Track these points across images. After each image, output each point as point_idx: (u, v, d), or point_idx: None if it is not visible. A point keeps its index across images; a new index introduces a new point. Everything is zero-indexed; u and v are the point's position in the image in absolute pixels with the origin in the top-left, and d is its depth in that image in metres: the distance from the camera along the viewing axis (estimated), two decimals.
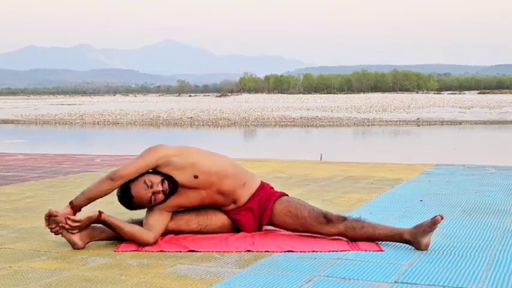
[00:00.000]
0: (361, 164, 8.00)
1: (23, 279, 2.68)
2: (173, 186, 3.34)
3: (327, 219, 3.34)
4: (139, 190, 3.32)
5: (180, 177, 3.37)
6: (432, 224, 3.14)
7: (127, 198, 3.38)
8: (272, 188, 3.60)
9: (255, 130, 28.81)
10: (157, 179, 3.32)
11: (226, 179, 3.44)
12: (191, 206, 3.46)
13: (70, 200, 3.35)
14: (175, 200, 3.40)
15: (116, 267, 2.88)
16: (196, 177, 3.38)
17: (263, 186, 3.56)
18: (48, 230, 3.30)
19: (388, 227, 3.35)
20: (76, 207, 3.31)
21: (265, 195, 3.52)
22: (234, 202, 3.48)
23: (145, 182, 3.31)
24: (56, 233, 3.26)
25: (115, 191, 3.40)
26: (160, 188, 3.30)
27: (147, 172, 3.37)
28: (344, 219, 3.34)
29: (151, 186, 3.30)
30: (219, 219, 3.51)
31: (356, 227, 3.29)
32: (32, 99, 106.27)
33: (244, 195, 3.49)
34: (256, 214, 3.50)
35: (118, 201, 3.44)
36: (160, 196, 3.32)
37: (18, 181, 6.18)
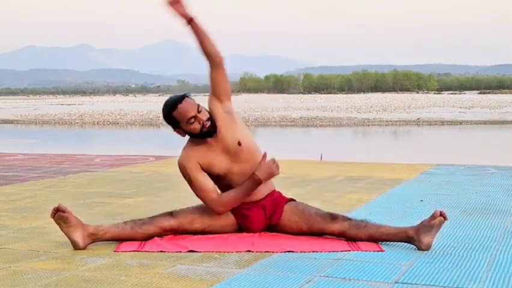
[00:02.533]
0: (361, 164, 8.00)
1: (22, 279, 2.68)
2: (213, 128, 3.38)
3: (332, 217, 3.38)
4: (190, 129, 3.37)
5: (227, 134, 3.41)
6: (432, 218, 3.15)
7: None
8: (281, 193, 3.63)
9: (255, 130, 28.80)
10: (193, 111, 3.35)
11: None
12: (217, 171, 3.45)
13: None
14: (206, 158, 3.42)
15: (116, 267, 2.88)
16: (239, 144, 3.41)
17: (275, 190, 3.60)
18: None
19: (391, 226, 3.36)
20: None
21: (278, 197, 3.56)
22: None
23: (188, 122, 3.35)
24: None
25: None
26: (204, 117, 3.35)
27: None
28: (349, 219, 3.38)
29: (194, 121, 3.34)
30: (222, 219, 3.50)
31: (360, 226, 3.31)
32: (31, 99, 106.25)
33: (262, 190, 3.49)
34: (267, 213, 3.50)
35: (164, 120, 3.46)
36: (208, 123, 3.36)
37: (18, 181, 6.18)
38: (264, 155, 3.47)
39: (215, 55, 3.45)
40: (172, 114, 3.39)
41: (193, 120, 3.35)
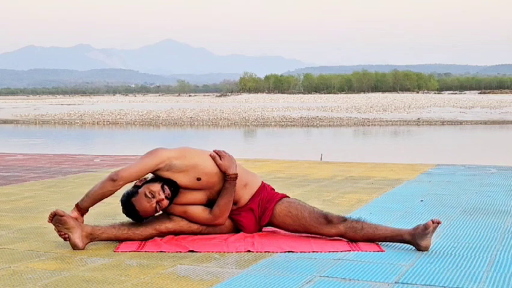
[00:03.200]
0: (361, 164, 7.99)
1: (22, 279, 2.68)
2: (175, 189, 3.36)
3: (327, 219, 3.35)
4: (142, 204, 3.34)
5: (183, 179, 3.38)
6: (424, 229, 3.14)
7: (134, 214, 3.39)
8: (273, 189, 3.60)
9: (255, 130, 28.80)
10: (156, 187, 3.33)
11: None
12: (199, 203, 3.46)
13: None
14: (182, 200, 3.42)
15: (116, 267, 2.88)
16: (198, 179, 3.40)
17: (264, 187, 3.56)
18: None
19: (388, 228, 3.34)
20: (82, 210, 3.35)
21: (266, 196, 3.52)
22: (235, 203, 3.48)
23: (146, 195, 3.33)
24: (65, 239, 3.27)
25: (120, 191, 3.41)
26: (162, 196, 3.32)
27: (145, 182, 3.39)
28: (344, 220, 3.34)
29: (153, 197, 3.32)
30: None
31: (357, 228, 3.29)
32: (31, 99, 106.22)
33: (245, 196, 3.49)
34: (256, 214, 3.50)
35: (125, 215, 3.44)
36: (165, 202, 3.34)
37: (18, 181, 6.18)
38: (214, 156, 3.45)
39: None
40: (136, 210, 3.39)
41: (158, 205, 3.35)
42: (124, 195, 3.41)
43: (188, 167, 3.38)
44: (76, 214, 3.32)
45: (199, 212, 3.45)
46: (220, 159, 3.44)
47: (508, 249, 3.19)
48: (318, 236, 3.40)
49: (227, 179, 3.41)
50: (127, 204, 3.37)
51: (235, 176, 3.42)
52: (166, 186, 3.34)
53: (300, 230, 3.43)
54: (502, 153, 15.26)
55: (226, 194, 3.42)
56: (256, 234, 3.49)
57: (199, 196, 3.45)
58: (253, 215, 3.50)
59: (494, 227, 3.79)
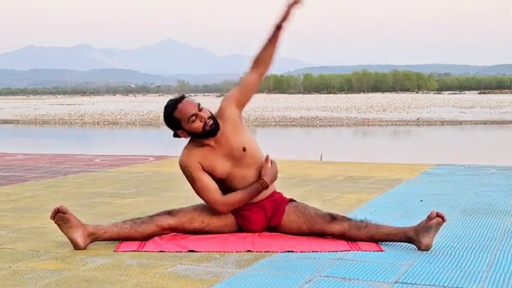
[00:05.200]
0: (361, 164, 7.99)
1: (22, 279, 2.68)
2: (216, 127, 3.37)
3: (332, 217, 3.38)
4: (192, 128, 3.36)
5: (234, 139, 3.42)
6: (429, 219, 3.16)
7: (172, 122, 3.42)
8: (281, 193, 3.63)
9: (255, 130, 28.79)
10: (194, 109, 3.35)
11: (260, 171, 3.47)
12: (219, 175, 3.44)
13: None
14: (208, 161, 3.42)
15: (116, 267, 2.88)
16: (244, 149, 3.41)
17: (276, 191, 3.60)
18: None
19: (392, 226, 3.36)
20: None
21: (279, 198, 3.56)
22: None
23: (189, 121, 3.34)
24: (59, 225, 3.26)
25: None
26: (205, 115, 3.35)
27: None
28: (349, 219, 3.37)
29: (195, 119, 3.34)
30: (222, 219, 3.50)
31: (360, 226, 3.31)
32: (31, 99, 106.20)
33: (263, 192, 3.50)
34: (268, 214, 3.50)
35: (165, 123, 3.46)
36: (210, 121, 3.35)
37: (18, 181, 6.18)
38: (267, 159, 3.48)
39: (270, 65, 3.50)
40: (173, 114, 3.39)
41: (194, 118, 3.35)
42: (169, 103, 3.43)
43: (244, 129, 3.46)
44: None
45: (213, 187, 3.42)
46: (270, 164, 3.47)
47: (508, 249, 3.20)
48: (318, 236, 3.40)
49: (259, 181, 3.42)
50: (173, 120, 3.40)
51: (266, 186, 3.44)
52: (211, 119, 3.36)
53: (305, 228, 3.42)
54: (502, 153, 15.25)
55: (248, 192, 3.42)
56: (256, 234, 3.49)
57: (226, 167, 3.43)
58: (264, 213, 3.50)
59: (493, 226, 3.80)
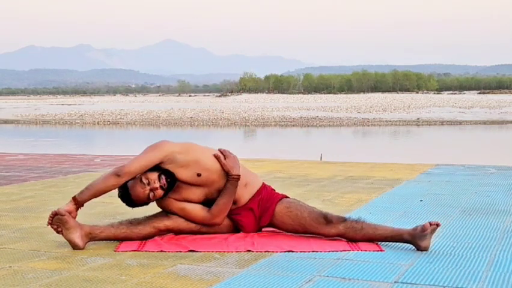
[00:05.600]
0: (361, 164, 8.00)
1: (23, 279, 2.68)
2: (172, 180, 3.36)
3: (327, 220, 3.35)
4: (136, 189, 3.35)
5: (183, 173, 3.38)
6: (422, 230, 3.15)
7: (126, 198, 3.39)
8: (273, 190, 3.60)
9: (255, 130, 28.80)
10: (153, 175, 3.33)
11: None
12: (196, 201, 3.46)
13: (67, 200, 3.35)
14: (180, 195, 3.42)
15: (116, 267, 2.88)
16: (199, 175, 3.40)
17: (264, 187, 3.57)
18: (49, 228, 3.30)
19: (388, 227, 3.35)
20: (79, 203, 3.33)
21: (266, 196, 3.52)
22: (235, 202, 3.48)
23: (141, 181, 3.33)
24: (58, 232, 3.27)
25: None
26: (157, 184, 3.32)
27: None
28: (344, 220, 3.34)
29: (148, 184, 3.32)
30: None
31: (356, 228, 3.29)
32: (32, 99, 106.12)
33: (245, 196, 3.49)
34: (256, 214, 3.50)
35: (119, 197, 3.44)
36: (159, 192, 3.34)
37: (18, 181, 6.18)
38: (218, 156, 3.45)
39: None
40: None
41: (151, 193, 3.35)
42: None
43: (190, 162, 3.38)
44: (71, 207, 3.30)
45: (197, 210, 3.45)
46: (225, 158, 3.45)
47: (508, 249, 3.20)
48: (318, 236, 3.40)
49: (229, 179, 3.42)
50: (122, 187, 3.38)
51: (238, 177, 3.42)
52: (163, 176, 3.34)
53: (300, 230, 3.43)
54: (502, 153, 15.26)
55: (227, 193, 3.42)
56: (256, 234, 3.50)
57: (197, 193, 3.44)
58: (252, 214, 3.50)
59: (493, 226, 3.80)
